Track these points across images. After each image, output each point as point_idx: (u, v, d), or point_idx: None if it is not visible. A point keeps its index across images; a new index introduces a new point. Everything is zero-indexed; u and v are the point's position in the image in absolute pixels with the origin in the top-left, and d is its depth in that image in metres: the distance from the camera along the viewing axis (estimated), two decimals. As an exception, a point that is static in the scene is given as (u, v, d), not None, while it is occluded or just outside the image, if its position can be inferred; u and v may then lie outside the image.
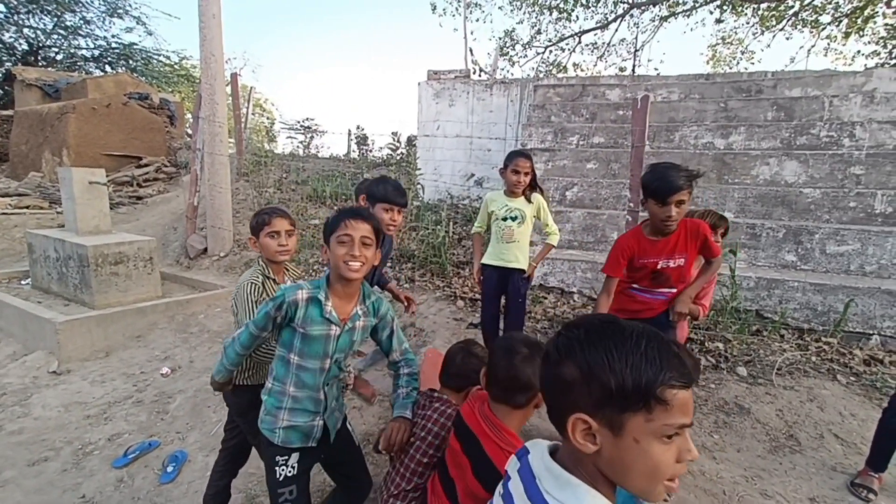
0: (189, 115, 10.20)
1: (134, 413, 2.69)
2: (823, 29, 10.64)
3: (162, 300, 3.95)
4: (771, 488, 2.03)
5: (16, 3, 12.04)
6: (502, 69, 12.09)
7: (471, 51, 10.02)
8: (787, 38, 11.86)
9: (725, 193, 4.12)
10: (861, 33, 10.25)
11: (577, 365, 0.65)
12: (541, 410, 1.20)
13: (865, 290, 3.11)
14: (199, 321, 3.80)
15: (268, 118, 17.73)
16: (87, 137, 7.91)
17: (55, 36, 13.30)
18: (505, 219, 2.65)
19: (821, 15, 10.31)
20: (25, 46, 12.87)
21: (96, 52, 13.92)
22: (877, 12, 9.60)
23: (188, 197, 5.43)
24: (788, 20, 10.70)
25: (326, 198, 6.20)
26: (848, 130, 4.34)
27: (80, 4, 12.97)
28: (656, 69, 12.91)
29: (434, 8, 11.89)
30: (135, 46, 14.07)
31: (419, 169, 6.27)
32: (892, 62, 9.93)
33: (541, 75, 10.52)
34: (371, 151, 9.38)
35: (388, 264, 4.28)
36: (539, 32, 12.32)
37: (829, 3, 9.94)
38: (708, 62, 12.94)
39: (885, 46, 10.31)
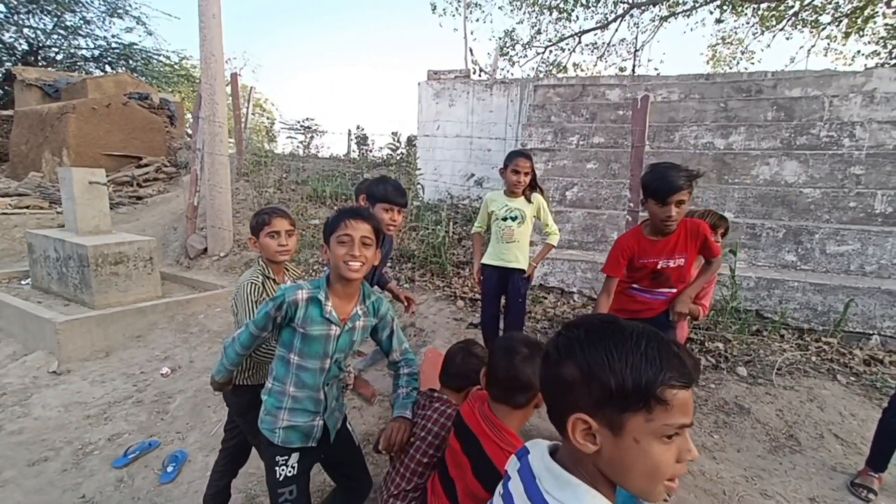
0: (189, 115, 10.20)
1: (134, 413, 2.69)
2: (823, 29, 10.64)
3: (162, 300, 3.95)
4: (771, 488, 2.03)
5: (16, 2, 12.04)
6: (502, 69, 12.10)
7: (471, 51, 10.02)
8: (787, 38, 11.87)
9: (725, 193, 4.12)
10: (861, 33, 10.25)
11: (577, 365, 0.65)
12: (541, 410, 1.20)
13: (865, 290, 3.11)
14: (199, 321, 3.80)
15: (268, 118, 17.73)
16: (87, 137, 7.91)
17: (55, 36, 13.30)
18: (505, 219, 2.65)
19: (821, 15, 10.31)
20: (25, 46, 12.87)
21: (96, 52, 13.93)
22: (877, 12, 9.60)
23: (188, 197, 5.43)
24: (788, 20, 10.70)
25: (326, 198, 6.20)
26: (848, 130, 4.34)
27: (80, 4, 12.98)
28: (656, 69, 12.92)
29: (434, 8, 11.90)
30: (135, 46, 14.08)
31: (419, 169, 6.27)
32: (892, 62, 9.93)
33: (541, 75, 10.53)
34: (371, 151, 9.39)
35: (388, 264, 4.28)
36: (539, 32, 12.33)
37: (829, 3, 9.95)
38: (708, 62, 12.96)
39: (885, 46, 10.31)
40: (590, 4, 11.38)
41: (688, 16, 11.45)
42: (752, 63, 12.15)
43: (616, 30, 12.21)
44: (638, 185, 2.30)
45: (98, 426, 2.58)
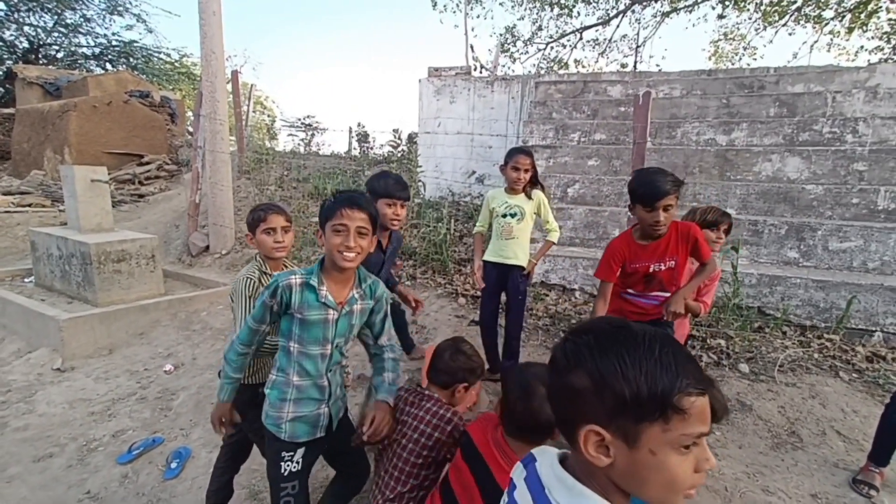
0: (190, 113, 10.19)
1: (138, 410, 2.71)
2: (826, 24, 10.57)
3: (164, 298, 3.96)
4: (773, 485, 2.03)
5: (16, 1, 12.03)
6: (503, 66, 12.06)
7: (472, 47, 10.00)
8: (790, 34, 11.78)
9: (727, 190, 4.11)
10: (864, 28, 10.19)
11: (587, 373, 0.62)
12: None
13: (868, 286, 3.11)
14: (201, 318, 3.82)
15: (269, 116, 17.71)
16: (88, 135, 7.91)
17: (56, 34, 13.30)
18: (504, 215, 2.64)
19: (824, 10, 10.25)
20: (26, 44, 12.87)
21: (97, 50, 13.93)
22: (880, 7, 9.54)
23: (190, 195, 5.44)
24: (791, 15, 10.63)
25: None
26: (851, 126, 4.32)
27: (81, 2, 12.97)
28: (658, 65, 12.88)
29: (435, 4, 11.84)
30: (135, 44, 14.07)
31: (420, 166, 6.27)
32: (896, 57, 9.87)
33: (542, 72, 10.50)
34: (372, 149, 9.37)
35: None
36: (540, 29, 12.29)
37: (833, -2, 9.89)
38: (710, 58, 12.89)
39: (888, 42, 10.25)
40: (591, 0, 11.33)
41: (690, 11, 11.40)
42: (755, 59, 12.11)
43: (618, 26, 12.14)
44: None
45: (102, 423, 2.60)
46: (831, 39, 11.01)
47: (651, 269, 1.96)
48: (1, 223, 6.00)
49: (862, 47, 11.36)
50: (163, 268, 4.36)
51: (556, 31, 12.27)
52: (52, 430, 2.52)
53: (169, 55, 14.86)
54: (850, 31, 10.37)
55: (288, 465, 1.38)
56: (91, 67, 13.55)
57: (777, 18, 10.84)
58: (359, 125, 9.76)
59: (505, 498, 0.76)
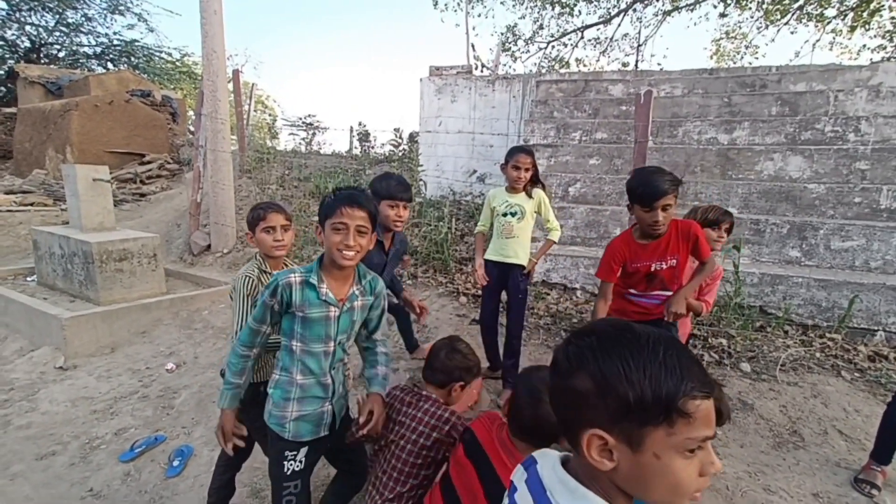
0: (191, 112, 10.21)
1: (140, 408, 2.72)
2: (829, 23, 10.54)
3: (166, 296, 3.97)
4: (774, 484, 2.03)
5: (18, 0, 12.04)
6: (504, 65, 12.05)
7: (473, 46, 9.99)
8: (792, 33, 11.75)
9: (729, 189, 4.11)
10: (867, 27, 10.15)
11: (590, 375, 0.61)
12: None
13: (870, 285, 3.10)
14: (203, 317, 3.82)
15: (270, 115, 17.72)
16: (90, 134, 7.93)
17: (57, 33, 13.32)
18: (505, 214, 2.65)
19: (826, 8, 10.22)
20: (28, 44, 12.90)
21: (98, 50, 13.95)
22: (883, 6, 9.51)
23: (191, 194, 5.44)
24: (793, 14, 10.61)
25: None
26: (853, 125, 4.31)
27: (82, 1, 12.99)
28: (659, 64, 12.85)
29: (436, 3, 11.82)
30: (136, 43, 14.09)
31: (421, 165, 6.27)
32: (899, 56, 9.84)
33: (543, 71, 10.49)
34: (373, 148, 9.38)
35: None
36: (541, 27, 12.27)
37: (835, -3, 9.86)
38: (711, 57, 12.86)
39: (891, 40, 10.21)
40: (592, -1, 11.31)
41: (691, 10, 11.38)
42: (757, 58, 12.07)
43: (619, 25, 12.11)
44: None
45: (105, 421, 2.60)
46: (834, 38, 10.99)
47: (652, 269, 1.95)
48: (3, 222, 6.02)
49: (864, 46, 11.39)
50: (164, 267, 4.37)
51: (558, 30, 12.26)
52: (55, 428, 2.53)
53: (170, 54, 14.90)
54: (852, 29, 10.33)
55: (291, 465, 1.38)
56: (92, 67, 13.58)
57: (779, 17, 10.81)
58: (360, 124, 9.77)
59: (505, 500, 0.76)
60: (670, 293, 1.98)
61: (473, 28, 18.58)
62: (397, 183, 2.01)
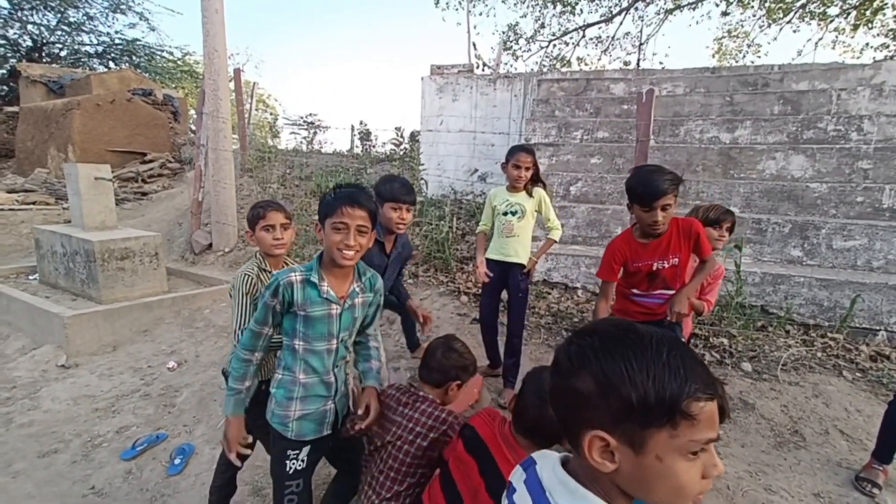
0: (193, 111, 10.21)
1: (141, 406, 2.72)
2: (831, 21, 10.51)
3: (168, 295, 3.98)
4: (775, 483, 2.03)
5: (19, -1, 12.07)
6: (506, 64, 12.02)
7: (474, 45, 9.98)
8: (795, 31, 11.72)
9: (731, 188, 4.10)
10: (870, 25, 10.12)
11: (592, 376, 0.60)
12: None
13: (872, 285, 3.09)
14: (204, 316, 3.83)
15: (271, 114, 17.72)
16: (91, 133, 7.94)
17: (59, 32, 13.33)
18: (505, 213, 2.65)
19: (829, 7, 10.18)
20: (29, 43, 12.91)
21: (100, 49, 13.96)
22: (886, 4, 9.46)
23: (192, 193, 5.45)
24: (796, 12, 10.57)
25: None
26: (856, 124, 4.29)
27: (84, 0, 12.99)
28: (661, 63, 12.80)
29: (437, 1, 11.81)
30: (138, 42, 14.09)
31: (422, 164, 6.26)
32: (902, 55, 9.79)
33: (544, 70, 10.46)
34: (374, 147, 9.37)
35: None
36: (543, 26, 12.25)
37: (838, -5, 9.82)
38: (713, 56, 12.83)
39: (894, 39, 10.17)
40: (594, -2, 11.28)
41: (693, 9, 11.36)
42: (759, 56, 12.04)
43: (620, 23, 12.09)
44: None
45: (106, 419, 2.61)
46: (836, 37, 10.95)
47: (654, 268, 1.93)
48: (5, 221, 6.04)
49: (867, 44, 11.35)
50: (166, 265, 4.37)
51: (559, 29, 12.24)
52: (57, 426, 2.54)
53: (171, 53, 14.88)
54: (855, 28, 10.30)
55: (293, 464, 1.38)
56: (94, 65, 13.59)
57: (781, 15, 10.77)
58: (361, 123, 9.76)
59: (504, 501, 0.75)
60: (673, 292, 1.97)
61: (475, 27, 18.59)
62: (401, 185, 2.01)
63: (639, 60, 11.42)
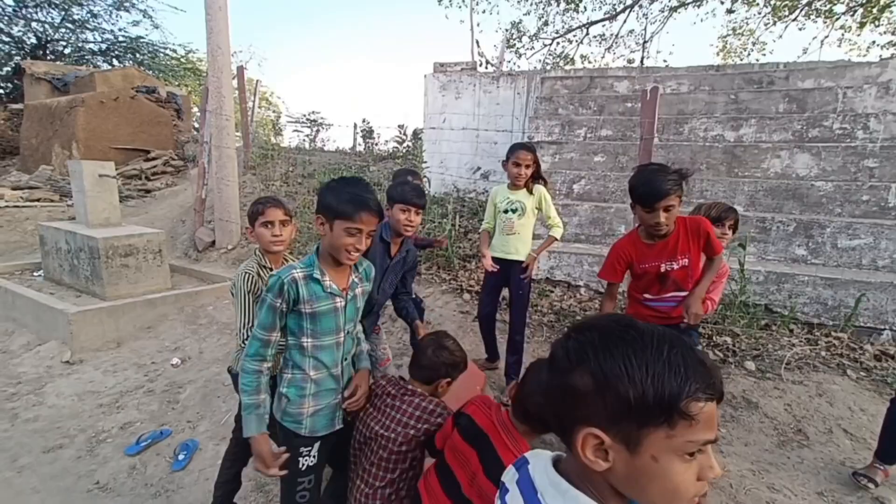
0: (196, 109, 10.23)
1: (145, 402, 2.74)
2: (837, 19, 10.42)
3: (171, 292, 3.99)
4: (778, 482, 2.03)
5: (24, -4, 12.10)
6: (509, 61, 11.99)
7: (477, 43, 9.93)
8: (800, 29, 11.64)
9: (735, 186, 4.08)
10: (877, 23, 10.03)
11: (590, 373, 0.58)
12: None
13: (877, 284, 3.07)
14: (207, 313, 3.85)
15: (274, 112, 17.74)
16: (95, 131, 7.97)
17: (63, 30, 13.36)
18: (506, 211, 2.66)
19: (835, 4, 10.10)
20: (34, 40, 12.95)
21: (104, 46, 13.98)
22: (893, 1, 9.38)
23: (196, 190, 5.47)
24: (801, 10, 10.49)
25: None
26: (862, 122, 4.26)
27: (87, -2, 13.01)
28: (665, 61, 12.79)
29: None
30: (141, 40, 14.12)
31: (425, 162, 6.26)
32: (909, 53, 9.71)
33: (548, 67, 10.43)
34: (377, 145, 9.37)
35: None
36: (546, 24, 12.20)
37: (844, -8, 9.74)
38: (718, 53, 12.74)
39: (901, 37, 10.08)
40: (598, -5, 11.22)
41: (698, 6, 11.27)
42: (764, 54, 11.95)
43: (624, 21, 12.02)
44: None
45: (111, 415, 2.63)
46: (842, 34, 10.87)
47: (662, 269, 1.88)
48: (10, 217, 6.07)
49: (874, 42, 11.22)
50: (169, 262, 4.39)
51: (563, 27, 12.19)
52: (62, 422, 2.56)
53: (175, 51, 14.91)
54: (861, 25, 10.21)
55: (306, 460, 1.39)
56: (98, 63, 13.62)
57: (787, 13, 10.70)
58: (364, 121, 9.77)
59: (497, 501, 0.75)
60: (684, 293, 1.90)
61: (478, 24, 18.54)
62: (412, 188, 2.03)
63: (643, 58, 11.36)
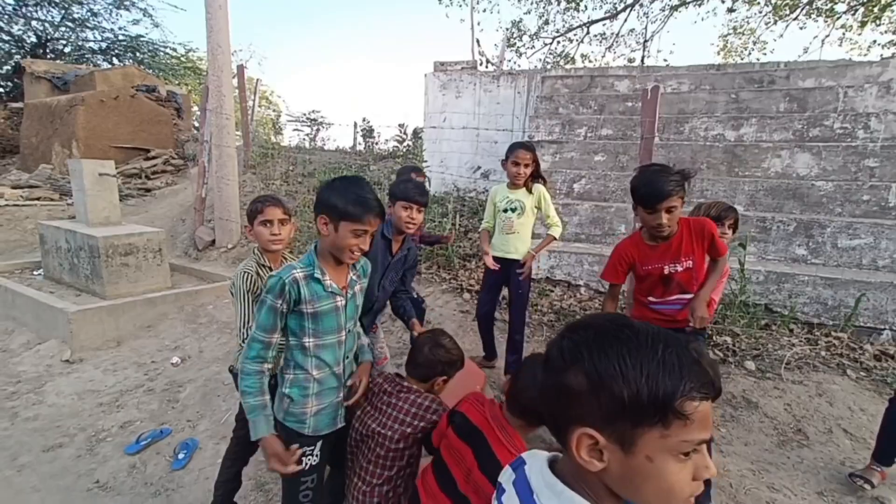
0: (196, 108, 10.23)
1: (145, 401, 2.74)
2: (838, 18, 10.40)
3: (171, 291, 3.99)
4: (778, 482, 2.03)
5: (24, -5, 12.09)
6: (509, 60, 11.97)
7: (478, 42, 9.92)
8: (801, 28, 11.62)
9: (736, 186, 4.07)
10: (878, 22, 10.01)
11: (584, 373, 0.58)
12: None
13: (877, 284, 3.07)
14: (207, 312, 3.84)
15: (274, 111, 17.73)
16: (95, 130, 7.97)
17: (63, 28, 13.35)
18: (505, 210, 2.66)
19: (836, 3, 10.08)
20: (34, 39, 12.94)
21: (104, 45, 13.97)
22: (894, 1, 9.36)
23: (196, 189, 5.47)
24: (802, 9, 10.47)
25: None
26: (863, 122, 4.26)
27: (87, -4, 13.00)
28: (666, 60, 12.76)
29: (441, -2, 11.74)
30: (141, 39, 14.10)
31: (425, 161, 6.25)
32: (910, 52, 9.69)
33: (548, 66, 10.41)
34: (377, 144, 9.36)
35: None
36: (547, 23, 12.17)
37: (845, -8, 9.72)
38: (719, 53, 12.71)
39: (902, 36, 10.06)
40: (598, -6, 11.20)
41: (698, 5, 11.25)
42: (765, 53, 11.92)
43: (625, 20, 12.00)
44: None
45: (111, 414, 2.63)
46: (843, 34, 10.85)
47: (666, 271, 1.85)
48: (10, 216, 6.07)
49: (875, 42, 11.18)
50: (169, 261, 4.39)
51: (563, 26, 12.16)
52: (62, 421, 2.56)
53: (175, 50, 14.89)
54: (862, 25, 10.19)
55: (308, 459, 1.39)
56: (98, 62, 13.60)
57: (788, 12, 10.68)
58: (364, 120, 9.75)
59: (494, 502, 0.74)
60: (689, 296, 1.87)
61: (478, 23, 18.51)
62: (415, 186, 2.04)
63: (643, 57, 11.34)
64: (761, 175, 4.23)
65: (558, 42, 12.32)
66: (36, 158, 8.38)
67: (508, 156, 2.60)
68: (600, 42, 12.53)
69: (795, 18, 10.76)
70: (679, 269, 1.84)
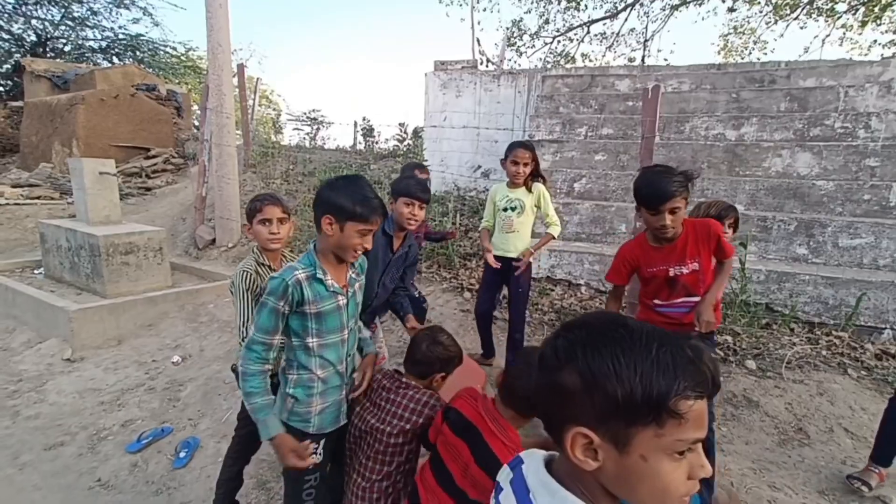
0: (196, 107, 10.22)
1: (146, 400, 2.74)
2: (839, 18, 10.40)
3: (172, 290, 3.99)
4: (779, 481, 2.03)
5: (24, -6, 12.08)
6: (510, 60, 11.96)
7: (478, 41, 9.91)
8: (802, 28, 11.63)
9: (736, 185, 4.07)
10: (878, 22, 10.01)
11: (578, 372, 0.58)
12: None
13: (878, 283, 3.07)
14: (208, 311, 3.85)
15: (274, 110, 17.72)
16: (95, 128, 7.96)
17: (63, 27, 13.34)
18: (505, 209, 2.66)
19: (837, 3, 10.07)
20: (34, 38, 12.93)
21: (104, 44, 13.97)
22: (894, 0, 9.35)
23: (196, 188, 5.47)
24: (803, 9, 10.46)
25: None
26: (863, 121, 4.26)
27: (87, -5, 12.98)
28: (666, 59, 12.72)
29: (441, -3, 11.73)
30: (142, 37, 14.09)
31: (426, 160, 6.25)
32: (910, 52, 9.69)
33: (549, 66, 10.40)
34: (377, 143, 9.36)
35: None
36: (547, 22, 12.15)
37: (846, -9, 9.71)
38: (719, 52, 12.70)
39: (903, 36, 10.06)
40: (599, -7, 11.19)
41: (699, 5, 11.23)
42: (765, 53, 11.91)
43: (626, 19, 11.99)
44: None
45: (112, 412, 2.63)
46: (844, 33, 10.83)
47: (671, 274, 1.82)
48: (10, 215, 6.07)
49: (875, 41, 11.16)
50: (170, 260, 4.39)
51: (563, 25, 12.14)
52: (63, 419, 2.56)
53: (175, 49, 14.87)
54: (863, 24, 10.19)
55: (312, 457, 1.38)
56: (98, 61, 13.59)
57: (788, 12, 10.67)
58: (364, 119, 9.75)
59: (492, 500, 0.75)
60: (696, 298, 1.83)
61: (478, 22, 18.51)
62: (417, 183, 2.05)
63: (644, 57, 11.33)
64: (762, 174, 4.23)
65: (559, 41, 12.31)
66: (36, 157, 8.37)
67: (508, 155, 2.60)
68: (601, 41, 12.52)
69: (796, 18, 10.76)
70: (685, 271, 1.81)
